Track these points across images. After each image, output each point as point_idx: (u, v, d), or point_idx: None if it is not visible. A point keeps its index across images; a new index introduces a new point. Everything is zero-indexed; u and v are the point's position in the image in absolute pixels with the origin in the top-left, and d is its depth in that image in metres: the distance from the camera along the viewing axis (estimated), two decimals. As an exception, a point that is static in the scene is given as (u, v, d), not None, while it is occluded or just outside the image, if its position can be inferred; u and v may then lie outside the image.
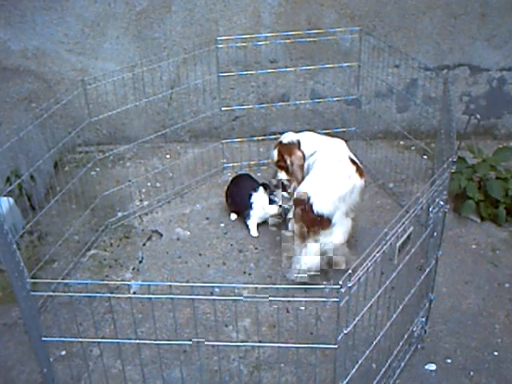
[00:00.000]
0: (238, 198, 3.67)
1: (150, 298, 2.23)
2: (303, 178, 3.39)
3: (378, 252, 2.11)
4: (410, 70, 4.15)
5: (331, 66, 4.19)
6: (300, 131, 3.74)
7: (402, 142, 4.44)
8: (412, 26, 4.18)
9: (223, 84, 4.12)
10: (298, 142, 3.59)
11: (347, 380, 2.26)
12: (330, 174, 3.23)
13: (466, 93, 4.40)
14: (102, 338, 2.92)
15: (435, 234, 2.68)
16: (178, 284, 2.35)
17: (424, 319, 2.87)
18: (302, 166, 3.54)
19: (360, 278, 2.05)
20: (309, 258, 3.12)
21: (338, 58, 4.21)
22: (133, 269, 3.40)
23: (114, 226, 3.71)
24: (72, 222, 3.57)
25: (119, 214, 3.79)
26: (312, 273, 3.14)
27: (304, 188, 3.19)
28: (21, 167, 3.60)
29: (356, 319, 2.15)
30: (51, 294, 2.73)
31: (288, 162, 3.58)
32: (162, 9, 4.11)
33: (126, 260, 3.46)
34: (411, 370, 2.77)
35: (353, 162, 3.31)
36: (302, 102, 4.39)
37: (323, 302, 2.58)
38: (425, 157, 4.24)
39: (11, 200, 3.37)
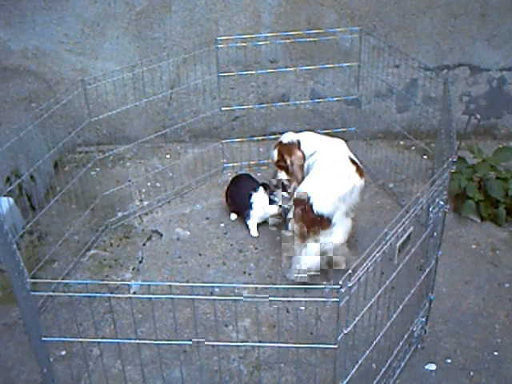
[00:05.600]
0: (238, 198, 3.67)
1: (150, 298, 2.23)
2: (303, 178, 3.39)
3: (378, 252, 2.11)
4: (410, 69, 4.15)
5: (331, 66, 4.19)
6: (300, 131, 3.74)
7: (402, 142, 4.44)
8: (412, 26, 4.18)
9: (223, 84, 4.12)
10: (298, 142, 3.59)
11: (347, 380, 2.26)
12: (330, 174, 3.23)
13: (466, 93, 4.41)
14: (102, 338, 2.92)
15: (435, 234, 2.68)
16: (178, 284, 2.36)
17: (424, 319, 2.87)
18: (302, 166, 3.54)
19: (360, 277, 2.05)
20: (309, 257, 3.12)
21: (338, 58, 4.21)
22: (133, 269, 3.40)
23: (114, 226, 3.71)
24: (72, 222, 3.57)
25: (119, 214, 3.79)
26: (312, 273, 3.14)
27: (304, 188, 3.19)
28: (21, 167, 3.60)
29: (356, 319, 2.15)
30: (51, 294, 2.73)
31: (288, 162, 3.58)
32: (161, 9, 4.11)
33: (126, 260, 3.46)
34: (411, 370, 2.77)
35: (353, 162, 3.31)
36: (302, 102, 4.39)
37: (323, 302, 2.58)
38: (425, 157, 4.24)
39: (11, 200, 3.37)
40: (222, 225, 3.72)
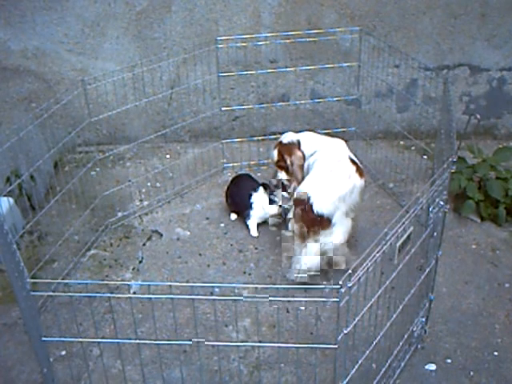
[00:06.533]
0: (238, 198, 3.67)
1: (150, 298, 2.23)
2: (303, 178, 3.39)
3: (378, 252, 2.11)
4: (410, 69, 4.15)
5: (331, 66, 4.19)
6: (300, 131, 3.74)
7: (402, 142, 4.44)
8: (412, 26, 4.18)
9: (223, 84, 4.12)
10: (298, 142, 3.59)
11: (347, 380, 2.26)
12: (330, 174, 3.23)
13: (466, 93, 4.41)
14: (102, 338, 2.92)
15: (435, 234, 2.68)
16: (178, 284, 2.36)
17: (424, 319, 2.87)
18: (302, 166, 3.54)
19: (360, 277, 2.05)
20: (309, 257, 3.12)
21: (338, 58, 4.21)
22: (133, 269, 3.40)
23: (114, 226, 3.71)
24: (72, 222, 3.57)
25: (119, 214, 3.79)
26: (312, 273, 3.14)
27: (304, 188, 3.19)
28: (21, 167, 3.60)
29: (356, 319, 2.15)
30: (51, 294, 2.73)
31: (288, 162, 3.58)
32: (161, 9, 4.11)
33: (126, 260, 3.46)
34: (411, 370, 2.77)
35: (353, 162, 3.31)
36: (302, 102, 4.39)
37: (323, 302, 2.58)
38: (425, 157, 4.24)
39: (11, 200, 3.37)
40: (222, 225, 3.72)
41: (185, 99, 4.32)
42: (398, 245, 2.25)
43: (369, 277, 2.11)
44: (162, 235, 3.65)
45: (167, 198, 3.95)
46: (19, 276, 2.13)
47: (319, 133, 3.74)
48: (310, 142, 3.57)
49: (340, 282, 1.98)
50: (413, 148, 4.37)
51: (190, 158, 4.31)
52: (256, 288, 2.90)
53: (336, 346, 2.12)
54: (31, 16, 4.09)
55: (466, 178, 3.66)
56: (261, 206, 3.57)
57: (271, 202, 3.54)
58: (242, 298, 2.13)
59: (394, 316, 2.47)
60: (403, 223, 2.24)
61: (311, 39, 4.07)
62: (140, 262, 3.45)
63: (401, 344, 2.68)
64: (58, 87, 4.30)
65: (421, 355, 2.84)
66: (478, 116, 3.54)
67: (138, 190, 4.01)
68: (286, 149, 3.60)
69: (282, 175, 3.64)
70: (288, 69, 4.24)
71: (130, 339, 2.77)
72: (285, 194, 3.56)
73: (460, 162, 3.72)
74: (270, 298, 2.08)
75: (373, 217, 3.72)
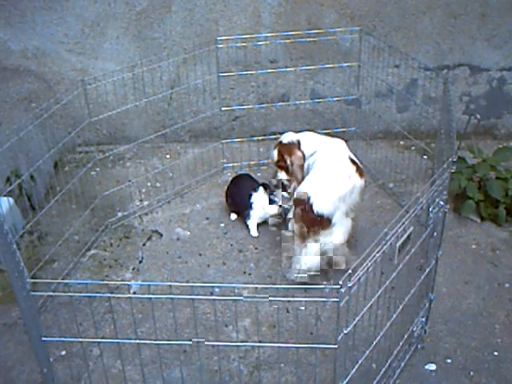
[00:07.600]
0: (238, 198, 3.67)
1: (150, 298, 2.23)
2: (303, 178, 3.39)
3: (378, 252, 2.11)
4: (410, 69, 4.15)
5: (331, 66, 4.19)
6: (300, 131, 3.74)
7: (402, 142, 4.44)
8: (412, 26, 4.18)
9: (223, 84, 4.12)
10: (298, 142, 3.59)
11: (347, 380, 2.26)
12: (330, 173, 3.23)
13: (466, 93, 4.41)
14: (102, 338, 2.92)
15: (435, 234, 2.68)
16: (178, 284, 2.36)
17: (424, 319, 2.87)
18: (302, 166, 3.54)
19: (360, 277, 2.05)
20: (309, 257, 3.12)
21: (338, 58, 4.21)
22: (133, 269, 3.40)
23: (114, 226, 3.71)
24: (72, 222, 3.57)
25: (119, 214, 3.79)
26: (312, 273, 3.14)
27: (304, 188, 3.19)
28: (21, 167, 3.60)
29: (356, 319, 2.15)
30: (51, 294, 2.73)
31: (288, 162, 3.58)
32: (161, 9, 4.11)
33: (126, 260, 3.46)
34: (411, 370, 2.77)
35: (353, 162, 3.31)
36: (302, 102, 4.39)
37: (323, 302, 2.58)
38: (425, 157, 4.24)
39: (11, 200, 3.37)
40: (222, 225, 3.72)
41: (185, 99, 4.32)
42: (398, 245, 2.25)
43: (369, 277, 2.11)
44: (162, 235, 3.65)
45: (167, 198, 3.95)
46: (19, 276, 2.13)
47: (319, 133, 3.74)
48: (310, 141, 3.57)
49: (340, 282, 1.98)
50: (413, 148, 4.37)
51: (190, 158, 4.31)
52: (256, 288, 2.90)
53: (336, 346, 2.12)
54: (31, 16, 4.09)
55: (466, 177, 3.66)
56: (261, 206, 3.57)
57: (271, 202, 3.54)
58: (242, 298, 2.13)
59: (394, 316, 2.47)
60: (403, 223, 2.24)
61: (311, 39, 4.07)
62: (140, 262, 3.45)
63: (401, 344, 2.68)
64: (58, 87, 4.30)
65: (421, 355, 2.84)
66: (478, 116, 3.54)
67: (138, 189, 4.01)
68: (286, 149, 3.60)
69: (282, 175, 3.64)
70: (288, 69, 4.24)
71: (130, 339, 2.77)
72: (285, 194, 3.56)
73: (460, 162, 3.72)
74: (270, 298, 2.08)
75: (373, 217, 3.72)
